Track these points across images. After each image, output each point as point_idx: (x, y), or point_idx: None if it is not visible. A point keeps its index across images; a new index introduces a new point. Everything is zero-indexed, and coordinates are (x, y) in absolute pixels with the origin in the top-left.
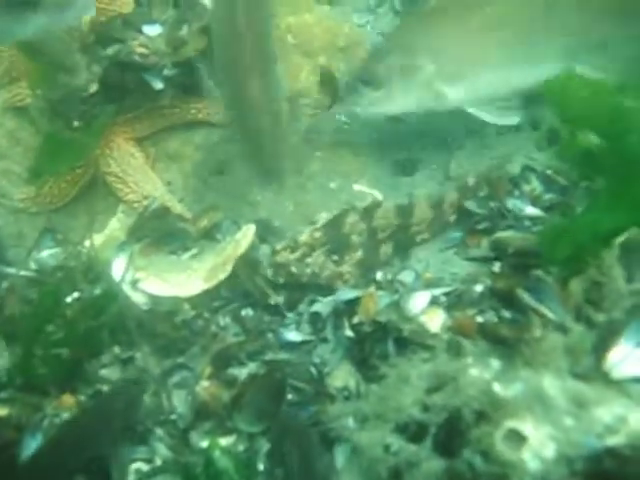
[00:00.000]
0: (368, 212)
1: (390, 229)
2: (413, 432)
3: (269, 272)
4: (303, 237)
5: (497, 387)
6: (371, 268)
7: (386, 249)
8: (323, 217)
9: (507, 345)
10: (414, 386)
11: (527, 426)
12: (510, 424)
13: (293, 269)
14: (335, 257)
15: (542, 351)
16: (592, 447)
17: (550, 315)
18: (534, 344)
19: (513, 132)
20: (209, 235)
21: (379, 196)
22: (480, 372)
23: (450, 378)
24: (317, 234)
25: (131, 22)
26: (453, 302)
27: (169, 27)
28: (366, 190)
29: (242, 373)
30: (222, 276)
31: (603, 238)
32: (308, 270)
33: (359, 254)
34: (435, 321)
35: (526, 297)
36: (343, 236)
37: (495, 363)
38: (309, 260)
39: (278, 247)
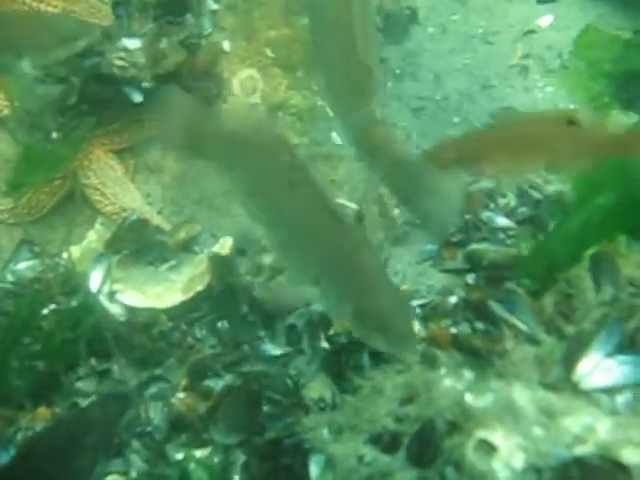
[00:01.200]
0: None
1: None
2: (387, 443)
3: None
4: (267, 258)
5: (469, 398)
6: None
7: None
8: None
9: (480, 356)
10: (388, 397)
11: (497, 436)
12: (481, 434)
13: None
14: None
15: (513, 362)
16: (561, 457)
17: (521, 327)
18: (505, 355)
19: None
20: (187, 247)
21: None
22: (453, 383)
23: (424, 389)
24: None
25: (110, 35)
26: (428, 314)
27: (148, 40)
28: (346, 203)
29: (218, 385)
30: (199, 288)
31: (575, 252)
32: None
33: None
34: None
35: (498, 309)
36: None
37: (468, 374)
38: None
39: (242, 271)
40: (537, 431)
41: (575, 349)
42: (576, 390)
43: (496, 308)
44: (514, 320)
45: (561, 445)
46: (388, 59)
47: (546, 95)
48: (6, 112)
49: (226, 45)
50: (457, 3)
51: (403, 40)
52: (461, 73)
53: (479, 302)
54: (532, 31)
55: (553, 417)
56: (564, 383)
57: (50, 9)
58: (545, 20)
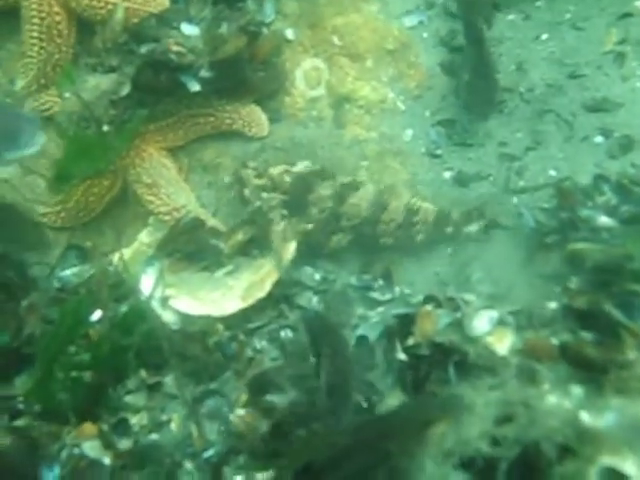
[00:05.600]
0: (344, 191)
1: (358, 220)
2: (481, 468)
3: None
4: (275, 171)
5: (585, 417)
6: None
7: (339, 240)
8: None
9: (592, 369)
10: (481, 416)
11: (628, 464)
12: (606, 461)
13: (246, 192)
14: (285, 212)
15: (638, 376)
16: None
17: None
18: (627, 367)
19: (581, 140)
20: (245, 250)
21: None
22: (560, 400)
23: (523, 407)
24: (288, 179)
25: (167, 20)
26: (522, 322)
27: (207, 25)
28: (418, 202)
29: (282, 400)
30: (260, 295)
31: None
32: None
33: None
34: (503, 343)
35: (617, 314)
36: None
37: (577, 390)
38: (264, 195)
39: (251, 163)
40: None
41: None
42: None
43: (614, 313)
44: (636, 327)
45: None
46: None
47: None
48: (56, 109)
49: (289, 33)
50: None
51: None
52: (547, 62)
53: (585, 308)
54: (628, 14)
55: None
56: None
57: None
58: None
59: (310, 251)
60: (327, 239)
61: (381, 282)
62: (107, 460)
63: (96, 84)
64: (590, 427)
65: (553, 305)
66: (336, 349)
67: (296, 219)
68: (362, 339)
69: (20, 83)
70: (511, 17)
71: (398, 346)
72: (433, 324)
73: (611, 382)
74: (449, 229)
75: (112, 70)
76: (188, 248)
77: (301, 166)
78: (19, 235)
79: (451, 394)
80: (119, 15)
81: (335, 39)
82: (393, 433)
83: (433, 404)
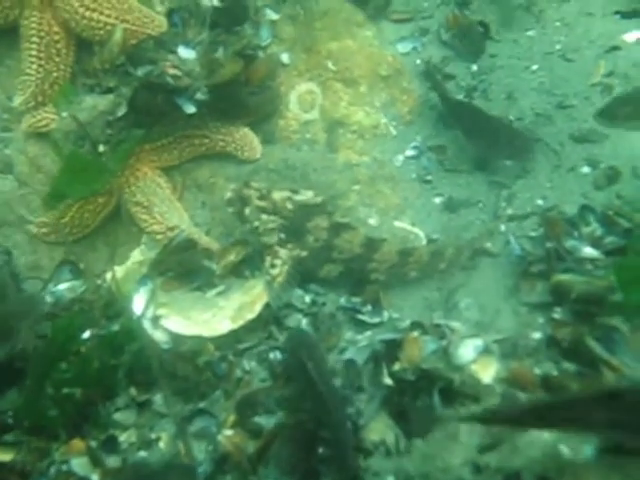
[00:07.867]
0: (340, 229)
1: (348, 254)
2: None
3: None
4: (278, 196)
5: (564, 449)
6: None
7: (329, 269)
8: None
9: None
10: (464, 444)
11: None
12: None
13: (246, 211)
14: (282, 236)
15: None
16: None
17: (624, 369)
18: None
19: (568, 170)
20: (237, 271)
21: (421, 235)
22: (540, 431)
23: (506, 436)
24: (289, 205)
25: (164, 43)
26: (507, 351)
27: (204, 49)
28: (407, 227)
29: (269, 422)
30: (250, 316)
31: None
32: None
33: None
34: (488, 371)
35: (597, 348)
36: (303, 230)
37: None
38: (263, 217)
39: (254, 184)
40: None
41: None
42: None
43: (594, 346)
44: (615, 361)
45: None
46: (456, 76)
47: None
48: (52, 126)
49: (285, 57)
50: (532, 18)
51: (477, 58)
52: (537, 92)
53: (568, 340)
54: (616, 47)
55: None
56: None
57: (103, 18)
58: (631, 36)
59: (302, 276)
60: (319, 267)
61: (370, 306)
62: (95, 478)
63: (93, 104)
64: (569, 459)
65: (537, 335)
66: (317, 363)
67: (292, 244)
68: (350, 363)
69: (18, 100)
70: (503, 46)
71: (385, 371)
72: (419, 350)
73: None
74: (442, 265)
75: (109, 91)
76: (180, 268)
77: (304, 196)
78: None
79: None
80: (117, 36)
81: (330, 64)
82: None
83: None
